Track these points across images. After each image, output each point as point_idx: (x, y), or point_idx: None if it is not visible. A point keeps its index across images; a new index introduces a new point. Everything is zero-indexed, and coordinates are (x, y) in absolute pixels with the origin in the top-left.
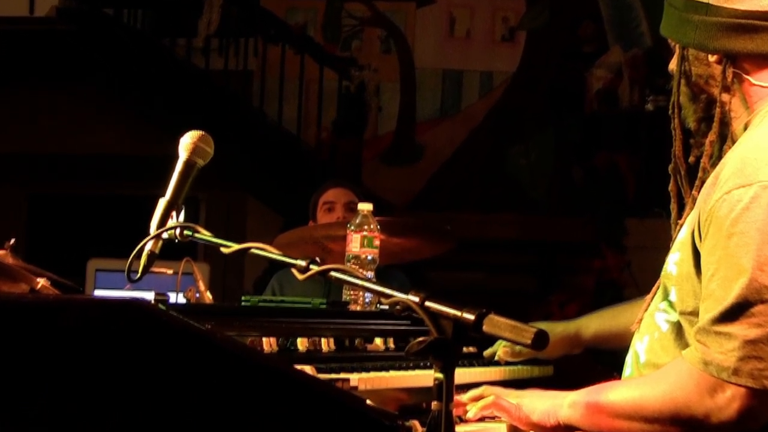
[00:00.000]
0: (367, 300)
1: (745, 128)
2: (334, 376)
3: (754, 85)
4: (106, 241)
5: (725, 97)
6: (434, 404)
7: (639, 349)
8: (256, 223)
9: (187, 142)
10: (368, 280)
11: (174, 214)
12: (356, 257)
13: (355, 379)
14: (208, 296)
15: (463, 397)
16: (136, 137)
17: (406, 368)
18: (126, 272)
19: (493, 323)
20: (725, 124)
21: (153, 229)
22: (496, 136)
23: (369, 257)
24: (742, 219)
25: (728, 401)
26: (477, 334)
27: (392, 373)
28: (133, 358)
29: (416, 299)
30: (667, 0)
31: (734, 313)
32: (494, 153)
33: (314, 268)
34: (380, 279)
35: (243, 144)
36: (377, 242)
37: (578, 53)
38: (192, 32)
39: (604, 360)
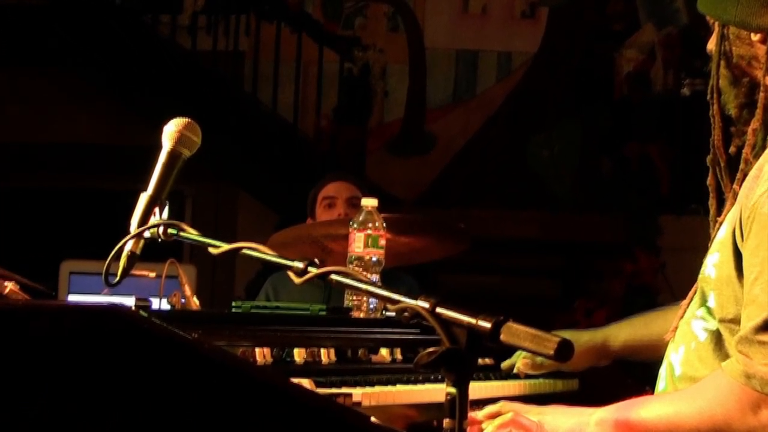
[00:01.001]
0: (371, 306)
1: None
2: (334, 390)
3: None
4: (81, 241)
5: None
6: (446, 422)
7: (674, 361)
8: (248, 221)
9: (171, 130)
10: (373, 283)
11: (157, 210)
12: (359, 258)
13: (358, 393)
14: (195, 302)
15: (479, 414)
16: (115, 125)
17: (415, 382)
18: (103, 275)
19: (512, 332)
20: None
21: (133, 227)
22: (515, 125)
23: (374, 258)
24: None
25: None
26: (494, 344)
27: (399, 387)
28: (112, 372)
29: (426, 305)
30: None
31: None
32: (513, 143)
33: (313, 271)
34: (386, 283)
35: (234, 133)
36: (383, 242)
37: (606, 32)
38: (177, 8)
39: (634, 373)
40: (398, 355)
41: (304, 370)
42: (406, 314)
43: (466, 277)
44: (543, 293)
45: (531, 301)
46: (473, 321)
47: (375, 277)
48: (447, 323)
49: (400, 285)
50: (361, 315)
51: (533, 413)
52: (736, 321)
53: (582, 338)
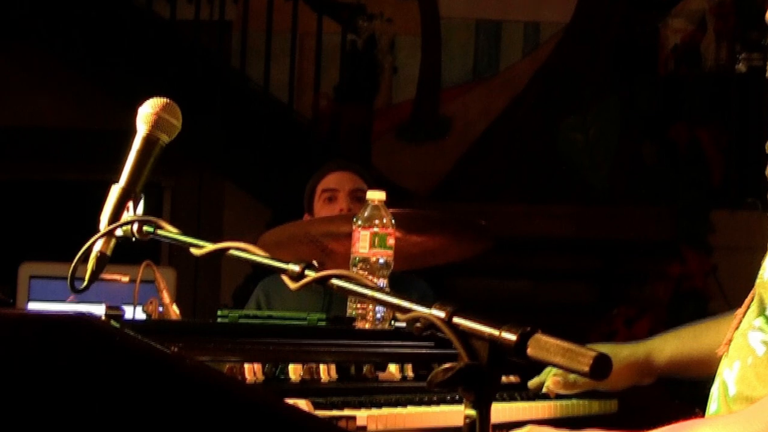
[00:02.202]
0: (378, 315)
1: None
2: (336, 413)
3: None
4: (43, 240)
5: None
6: None
7: (728, 379)
8: (236, 217)
9: (147, 112)
10: (380, 289)
11: (131, 205)
12: (364, 260)
13: (363, 416)
14: (175, 310)
15: None
16: (83, 107)
17: (429, 403)
18: (69, 280)
19: (541, 345)
20: None
21: (104, 224)
22: (544, 106)
23: (381, 260)
24: None
25: None
26: (520, 359)
27: (411, 409)
28: (78, 393)
29: (441, 314)
30: None
31: None
32: (542, 127)
33: (310, 275)
34: (395, 288)
35: (219, 115)
36: (391, 241)
37: None
38: None
39: (682, 393)
40: (409, 372)
41: (301, 390)
42: (418, 325)
43: (487, 281)
44: (577, 299)
45: (563, 309)
46: (496, 332)
47: (382, 282)
48: (466, 335)
49: (411, 291)
50: (367, 326)
51: None
52: None
53: (621, 352)
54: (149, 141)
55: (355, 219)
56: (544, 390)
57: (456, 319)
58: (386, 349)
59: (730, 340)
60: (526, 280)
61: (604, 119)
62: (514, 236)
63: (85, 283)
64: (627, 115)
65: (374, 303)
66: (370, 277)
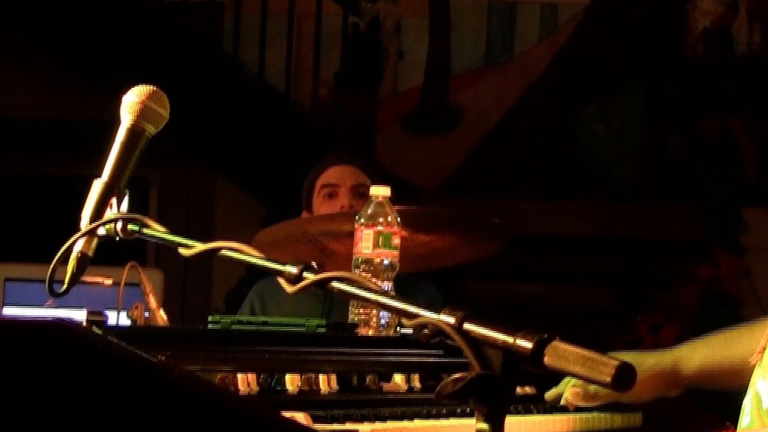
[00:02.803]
0: (382, 321)
1: None
2: (337, 426)
3: None
4: (19, 240)
5: None
6: None
7: (761, 390)
8: (228, 215)
9: (132, 101)
10: (384, 293)
11: (114, 201)
12: (368, 262)
13: (366, 430)
14: (162, 316)
15: None
16: (62, 95)
17: (437, 416)
18: (47, 283)
19: (559, 353)
20: None
21: (85, 222)
22: (562, 94)
23: (385, 262)
24: None
25: None
26: (536, 369)
27: (418, 423)
28: (57, 404)
29: (451, 320)
30: None
31: None
32: (560, 117)
33: (309, 277)
34: (401, 292)
35: (210, 104)
36: (397, 241)
37: None
38: None
39: (712, 405)
40: (416, 383)
41: (299, 402)
42: (426, 331)
43: (501, 284)
44: (597, 304)
45: (582, 315)
46: (510, 340)
47: (387, 285)
48: (477, 343)
49: (418, 295)
50: (370, 332)
51: None
52: None
53: (646, 361)
54: (134, 132)
55: (357, 217)
56: (562, 402)
57: (467, 326)
58: (391, 358)
59: (764, 348)
60: (543, 283)
61: (627, 109)
62: (530, 235)
63: (65, 286)
64: (652, 104)
65: (378, 308)
66: (374, 280)
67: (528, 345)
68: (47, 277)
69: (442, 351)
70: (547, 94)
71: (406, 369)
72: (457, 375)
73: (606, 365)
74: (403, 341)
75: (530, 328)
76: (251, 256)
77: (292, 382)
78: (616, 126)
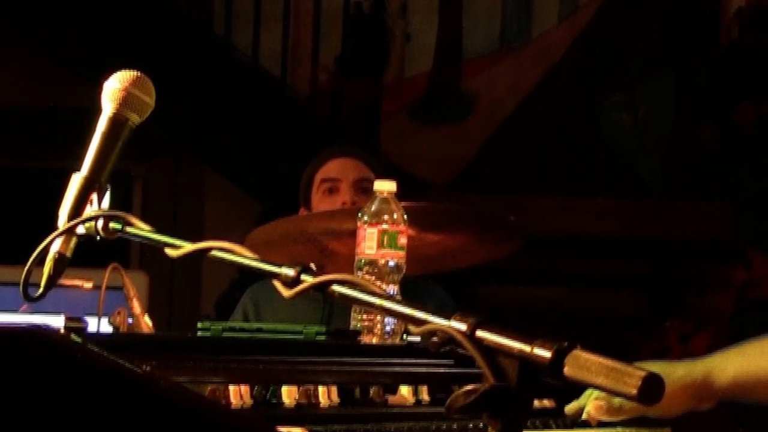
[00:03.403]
0: (387, 328)
1: None
2: None
3: None
4: None
5: None
6: None
7: None
8: (218, 212)
9: (114, 88)
10: (390, 297)
11: (95, 197)
12: (371, 263)
13: None
14: (147, 322)
15: None
16: (38, 81)
17: (448, 431)
18: (21, 286)
19: (580, 363)
20: None
21: (63, 219)
22: (584, 81)
23: (391, 263)
24: None
25: None
26: (555, 380)
27: None
28: (32, 418)
29: (463, 327)
30: None
31: None
32: (582, 106)
33: (307, 280)
34: (408, 296)
35: (199, 91)
36: (403, 240)
37: None
38: None
39: (747, 419)
40: (424, 396)
41: (296, 416)
42: (435, 339)
43: (516, 288)
44: (623, 310)
45: (606, 321)
46: (527, 348)
47: (393, 289)
48: (491, 352)
49: (426, 299)
50: (374, 340)
51: None
52: None
53: (676, 372)
54: (117, 122)
55: (360, 214)
56: (584, 416)
57: (480, 333)
58: (397, 368)
59: None
60: (562, 288)
61: (655, 96)
62: (548, 235)
63: (41, 289)
64: (682, 92)
65: (383, 313)
66: (378, 283)
67: (546, 354)
68: (21, 280)
69: (453, 361)
70: (567, 80)
71: (414, 380)
72: (469, 387)
73: (632, 376)
74: (410, 350)
75: (549, 336)
76: (244, 257)
77: (289, 394)
78: (642, 115)
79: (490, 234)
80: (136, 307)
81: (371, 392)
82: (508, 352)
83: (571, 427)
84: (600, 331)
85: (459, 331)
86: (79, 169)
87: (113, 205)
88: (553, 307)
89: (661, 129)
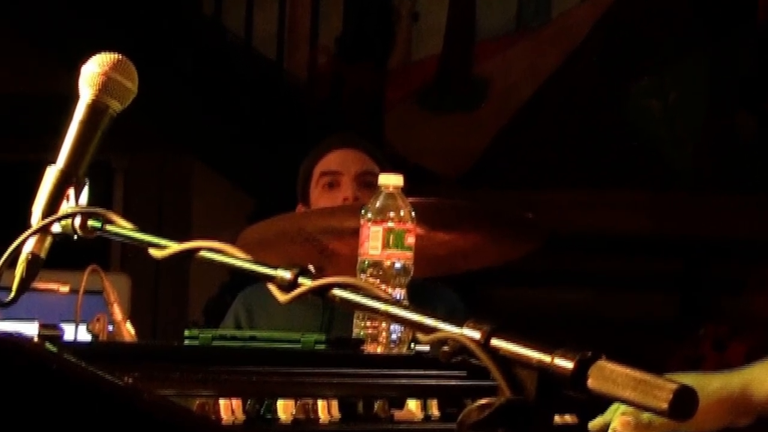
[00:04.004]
0: (393, 336)
1: None
2: None
3: None
4: None
5: None
6: None
7: None
8: (208, 208)
9: (93, 72)
10: (396, 302)
11: (72, 192)
12: (376, 265)
13: None
14: (129, 330)
15: None
16: (10, 66)
17: None
18: None
19: (605, 375)
20: None
21: (36, 217)
22: (609, 65)
23: (397, 265)
24: None
25: None
26: (578, 393)
27: None
28: None
29: (476, 335)
30: None
31: None
32: (607, 92)
33: (306, 284)
34: (416, 300)
35: (187, 76)
36: (411, 239)
37: None
38: None
39: None
40: (434, 411)
41: None
42: (445, 348)
43: (535, 291)
44: (651, 314)
45: (633, 327)
46: (547, 358)
47: (399, 293)
48: (507, 362)
49: (437, 304)
50: (379, 349)
51: None
52: None
53: (710, 384)
54: (96, 109)
55: (363, 211)
56: None
57: (495, 342)
58: (404, 381)
59: None
60: (585, 290)
61: (687, 82)
62: (570, 233)
63: (13, 293)
64: (717, 76)
65: (388, 320)
66: (383, 287)
67: (568, 365)
68: None
69: (465, 372)
70: (590, 64)
71: (422, 393)
72: (483, 401)
73: (662, 389)
74: (418, 360)
75: (571, 345)
76: (236, 258)
77: (285, 409)
78: (673, 101)
79: (505, 233)
80: (117, 313)
81: (376, 407)
82: (525, 363)
83: None
84: (626, 338)
85: (472, 340)
86: (54, 162)
87: (92, 200)
88: (574, 312)
89: (693, 116)
